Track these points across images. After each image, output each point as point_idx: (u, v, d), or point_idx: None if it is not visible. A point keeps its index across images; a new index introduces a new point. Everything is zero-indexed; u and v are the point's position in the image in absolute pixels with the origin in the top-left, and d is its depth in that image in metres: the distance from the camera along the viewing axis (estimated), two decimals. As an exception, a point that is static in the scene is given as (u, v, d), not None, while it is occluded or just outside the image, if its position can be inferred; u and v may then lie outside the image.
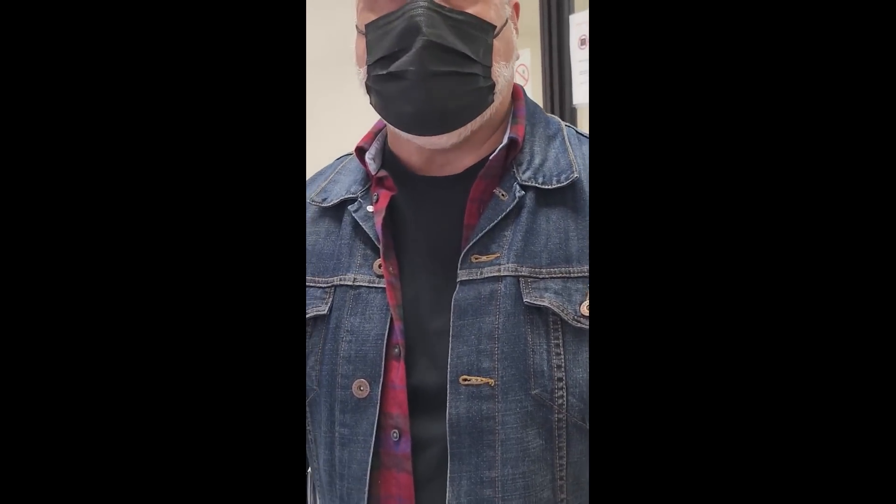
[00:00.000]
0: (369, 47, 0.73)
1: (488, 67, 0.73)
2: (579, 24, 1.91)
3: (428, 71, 0.69)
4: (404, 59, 0.70)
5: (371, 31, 0.73)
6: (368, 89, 0.75)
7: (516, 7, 0.80)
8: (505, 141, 0.75)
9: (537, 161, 0.76)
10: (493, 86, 0.74)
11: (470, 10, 0.72)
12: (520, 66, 2.51)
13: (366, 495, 0.72)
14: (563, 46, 1.95)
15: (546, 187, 0.73)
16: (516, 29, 0.79)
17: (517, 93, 0.81)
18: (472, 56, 0.71)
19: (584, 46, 1.91)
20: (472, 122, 0.74)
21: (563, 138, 0.78)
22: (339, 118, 2.29)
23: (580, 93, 1.92)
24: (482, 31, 0.72)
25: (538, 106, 0.83)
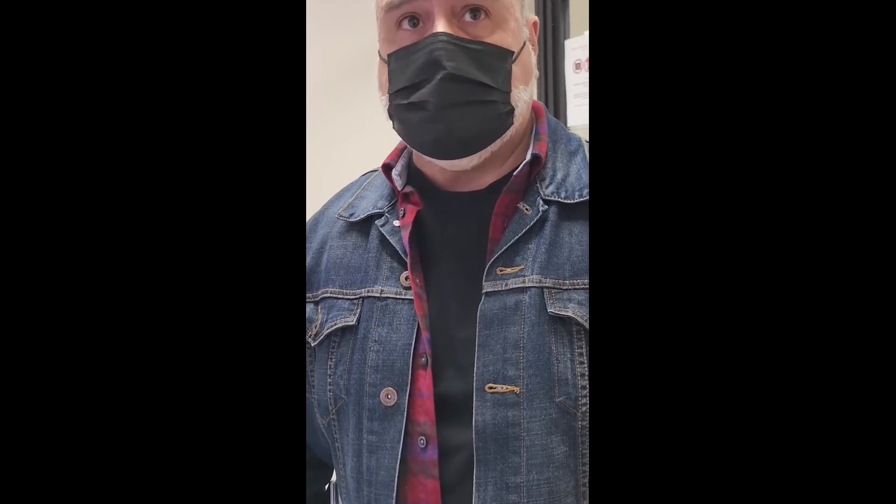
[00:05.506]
0: (391, 76, 0.76)
1: (507, 93, 0.75)
2: (574, 49, 1.97)
3: (447, 102, 0.72)
4: (424, 90, 0.72)
5: (393, 61, 0.75)
6: (391, 115, 0.78)
7: (535, 25, 0.82)
8: (528, 157, 0.77)
9: (559, 176, 0.78)
10: (512, 110, 0.76)
11: (489, 40, 0.74)
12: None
13: (394, 501, 0.73)
14: (559, 70, 2.00)
15: (568, 202, 0.76)
16: (535, 48, 0.81)
17: (539, 111, 0.83)
18: (492, 84, 0.73)
19: (578, 70, 1.96)
20: (493, 144, 0.77)
21: (584, 154, 0.80)
22: (339, 131, 2.31)
23: (575, 115, 1.97)
24: (501, 59, 0.75)
25: (559, 123, 0.85)
